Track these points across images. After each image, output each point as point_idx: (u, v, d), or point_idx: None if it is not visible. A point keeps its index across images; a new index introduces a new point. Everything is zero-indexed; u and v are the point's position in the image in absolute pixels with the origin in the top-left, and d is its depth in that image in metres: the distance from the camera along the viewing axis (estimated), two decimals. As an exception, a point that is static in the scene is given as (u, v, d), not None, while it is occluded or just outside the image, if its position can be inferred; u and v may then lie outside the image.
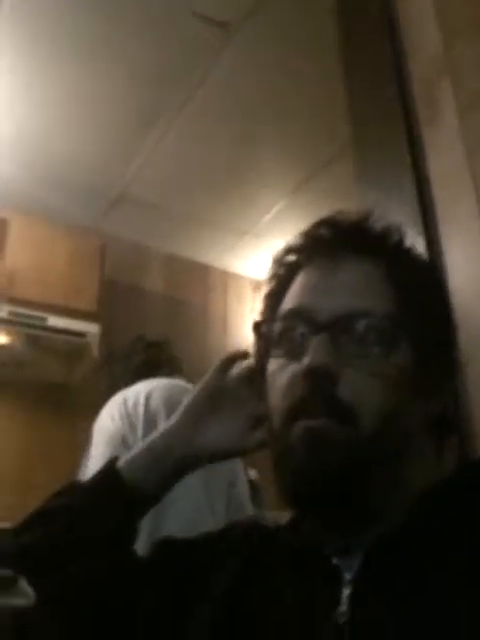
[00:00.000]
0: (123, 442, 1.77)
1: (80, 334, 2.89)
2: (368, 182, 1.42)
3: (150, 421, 1.80)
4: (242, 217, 3.23)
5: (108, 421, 1.83)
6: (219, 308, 3.65)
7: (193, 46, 2.20)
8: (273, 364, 0.67)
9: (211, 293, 3.66)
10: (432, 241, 1.20)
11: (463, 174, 1.14)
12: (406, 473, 0.64)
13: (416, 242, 1.23)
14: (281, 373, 0.65)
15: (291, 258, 0.72)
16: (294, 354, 0.64)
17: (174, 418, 0.84)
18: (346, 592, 0.59)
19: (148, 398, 1.86)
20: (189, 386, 2.01)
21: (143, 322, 3.25)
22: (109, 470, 0.80)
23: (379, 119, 1.42)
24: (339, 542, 0.63)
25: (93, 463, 1.78)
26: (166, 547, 0.78)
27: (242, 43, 2.18)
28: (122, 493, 0.77)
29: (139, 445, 0.83)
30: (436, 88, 1.28)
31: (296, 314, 0.66)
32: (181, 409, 0.84)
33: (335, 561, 0.62)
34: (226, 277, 3.74)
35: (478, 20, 1.23)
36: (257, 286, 3.80)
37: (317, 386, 0.60)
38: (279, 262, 0.73)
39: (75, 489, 0.81)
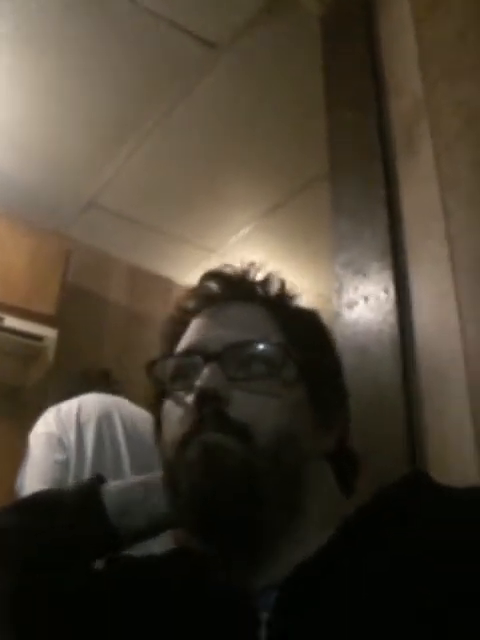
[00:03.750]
0: (59, 442, 1.87)
1: (37, 337, 2.84)
2: (341, 211, 1.45)
3: (81, 427, 1.92)
4: (210, 235, 3.24)
5: (43, 426, 1.93)
6: (179, 323, 3.64)
7: (179, 62, 2.22)
8: (169, 401, 0.69)
9: (172, 308, 3.64)
10: (400, 274, 1.22)
11: (436, 212, 1.16)
12: (311, 498, 0.65)
13: (383, 275, 1.26)
14: (176, 407, 0.67)
15: (184, 308, 0.77)
16: (189, 387, 0.66)
17: None
18: (263, 632, 0.58)
19: (80, 407, 1.99)
20: (121, 398, 2.08)
21: (102, 331, 3.22)
22: (96, 507, 0.76)
23: (358, 152, 1.45)
24: (253, 578, 0.63)
25: (32, 465, 1.85)
26: (120, 564, 0.77)
27: (228, 64, 2.20)
28: (104, 536, 0.75)
29: (132, 481, 0.80)
30: (415, 127, 1.32)
31: (189, 351, 0.70)
32: None
33: (251, 600, 0.61)
34: (189, 293, 3.73)
35: (458, 67, 1.27)
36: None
37: (208, 407, 0.63)
38: (173, 314, 0.78)
39: (55, 508, 0.77)
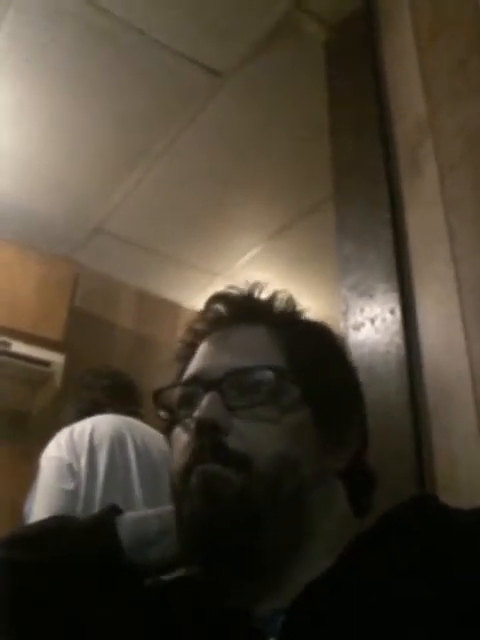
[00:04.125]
0: (70, 469, 1.83)
1: (44, 363, 2.84)
2: (347, 234, 1.46)
3: (93, 452, 1.89)
4: (216, 259, 3.25)
5: (54, 450, 1.90)
6: (187, 348, 3.64)
7: (185, 90, 2.25)
8: (176, 429, 0.70)
9: (180, 332, 3.64)
10: (406, 296, 1.23)
11: (440, 233, 1.17)
12: (315, 523, 0.65)
13: (389, 296, 1.26)
14: (181, 435, 0.69)
15: (192, 333, 0.78)
16: (191, 416, 0.67)
17: None
18: None
19: (93, 430, 1.95)
20: (134, 421, 2.06)
21: (110, 356, 3.22)
22: (110, 538, 0.74)
23: (362, 174, 1.47)
24: (258, 603, 0.62)
25: (41, 491, 1.82)
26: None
27: (233, 90, 2.23)
28: (118, 567, 0.73)
29: (148, 514, 0.79)
30: (419, 149, 1.33)
31: (191, 380, 0.71)
32: None
33: (258, 624, 0.60)
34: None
35: (461, 90, 1.28)
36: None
37: (206, 437, 0.64)
38: (183, 340, 0.79)
39: (66, 536, 0.76)
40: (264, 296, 0.77)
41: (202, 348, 0.74)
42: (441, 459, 0.99)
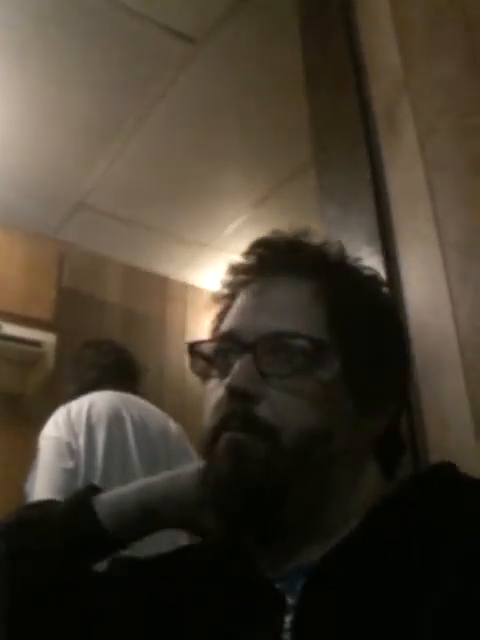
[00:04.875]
0: (68, 448, 1.86)
1: (35, 343, 2.84)
2: (329, 198, 1.44)
3: (91, 430, 1.91)
4: (202, 230, 3.23)
5: (53, 429, 1.92)
6: (178, 320, 3.64)
7: (158, 58, 2.21)
8: (210, 384, 0.69)
9: (169, 305, 3.64)
10: (390, 258, 1.22)
11: (422, 193, 1.16)
12: (342, 491, 0.64)
13: (373, 259, 1.25)
14: (213, 393, 0.67)
15: (232, 280, 0.74)
16: (224, 374, 0.65)
17: (177, 476, 0.78)
18: (288, 618, 0.58)
19: (90, 408, 1.97)
20: (132, 396, 2.07)
21: (101, 333, 3.21)
22: (85, 508, 0.74)
23: (340, 137, 1.44)
24: (280, 565, 0.63)
25: (41, 471, 1.84)
26: (124, 565, 0.77)
27: (207, 57, 2.19)
28: (95, 540, 0.73)
29: (126, 487, 0.78)
30: (396, 109, 1.31)
31: (227, 336, 0.69)
32: (189, 473, 0.77)
33: (278, 586, 0.61)
34: (185, 289, 3.73)
35: (437, 46, 1.26)
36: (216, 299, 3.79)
37: (236, 404, 0.62)
38: (223, 284, 0.75)
39: (47, 518, 0.76)
40: (312, 244, 0.71)
41: (241, 300, 0.71)
42: (431, 422, 0.99)
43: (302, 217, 2.98)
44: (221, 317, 0.73)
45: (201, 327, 3.68)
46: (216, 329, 0.74)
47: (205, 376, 0.70)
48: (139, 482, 0.79)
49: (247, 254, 0.73)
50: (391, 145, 1.30)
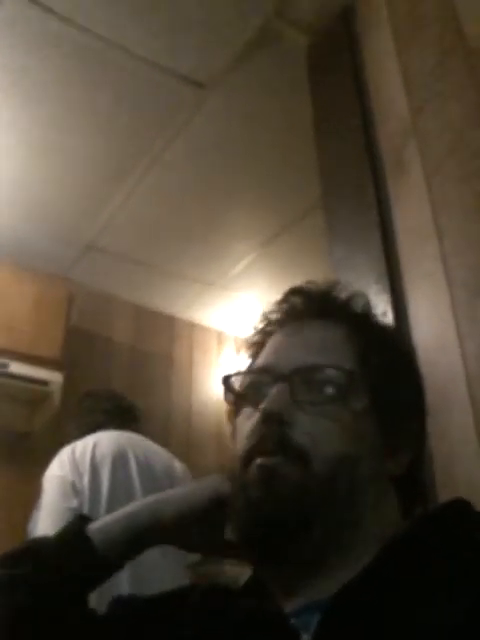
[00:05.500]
0: (73, 488, 1.85)
1: (42, 382, 2.84)
2: (337, 238, 1.46)
3: (95, 469, 1.91)
4: (209, 269, 3.25)
5: (57, 469, 1.91)
6: (184, 359, 3.64)
7: (170, 103, 2.25)
8: (241, 415, 0.71)
9: (176, 344, 3.65)
10: (397, 296, 1.23)
11: (428, 232, 1.17)
12: (364, 524, 0.65)
13: (381, 297, 1.26)
14: (246, 421, 0.69)
15: (266, 323, 0.78)
16: (256, 406, 0.68)
17: (165, 498, 0.79)
18: None
19: (95, 447, 1.97)
20: (135, 435, 2.07)
21: (108, 372, 3.22)
22: (79, 535, 0.76)
23: (348, 178, 1.47)
24: (295, 600, 0.63)
25: (45, 510, 1.83)
26: (125, 604, 0.77)
27: (217, 101, 2.24)
28: (91, 563, 0.74)
29: (116, 514, 0.79)
30: (403, 151, 1.33)
31: (262, 370, 0.72)
32: (180, 498, 0.78)
33: (293, 622, 0.61)
34: (192, 328, 3.74)
35: (442, 90, 1.29)
36: (222, 338, 3.81)
37: (270, 428, 0.64)
38: (256, 329, 0.79)
39: (41, 547, 0.77)
40: (342, 294, 0.76)
41: (274, 339, 0.75)
42: (439, 458, 0.98)
43: (310, 257, 3.01)
44: (254, 357, 0.77)
45: (207, 365, 3.68)
46: (249, 367, 0.77)
47: (237, 408, 0.73)
48: (125, 508, 0.79)
49: (281, 302, 0.77)
50: (398, 186, 1.32)
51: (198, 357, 3.69)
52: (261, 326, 0.78)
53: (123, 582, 1.64)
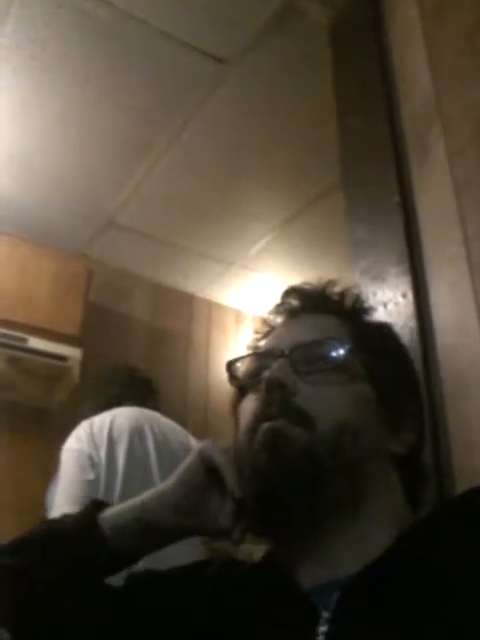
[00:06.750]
0: (90, 461, 1.87)
1: (61, 357, 2.86)
2: (357, 218, 1.45)
3: (113, 443, 1.93)
4: (229, 248, 3.25)
5: (75, 442, 1.93)
6: (202, 338, 3.65)
7: (191, 79, 2.24)
8: (245, 399, 0.74)
9: (194, 322, 3.65)
10: (418, 278, 1.22)
11: (451, 215, 1.16)
12: (371, 497, 0.66)
13: (400, 279, 1.25)
14: (250, 400, 0.72)
15: (266, 324, 0.83)
16: (260, 382, 0.71)
17: (167, 485, 0.78)
18: (322, 630, 0.58)
19: (112, 422, 1.99)
20: (153, 412, 2.08)
21: (126, 348, 3.24)
22: (91, 524, 0.76)
23: (371, 158, 1.45)
24: (314, 577, 0.63)
25: (62, 483, 1.85)
26: (141, 579, 0.78)
27: (238, 78, 2.22)
28: (101, 555, 0.74)
29: (127, 502, 0.79)
30: (427, 132, 1.32)
31: (264, 352, 0.76)
32: (174, 479, 0.77)
33: (313, 598, 0.62)
34: (210, 307, 3.75)
35: (467, 71, 1.27)
36: (240, 317, 3.81)
37: (274, 394, 0.67)
38: (255, 331, 0.84)
39: (53, 535, 0.77)
40: (335, 291, 0.81)
41: (274, 331, 0.80)
42: (457, 444, 0.98)
43: (329, 237, 3.00)
44: (256, 347, 0.81)
45: (225, 344, 3.69)
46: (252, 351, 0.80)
47: (242, 393, 0.75)
48: (138, 497, 0.79)
49: (278, 303, 0.83)
50: (421, 167, 1.30)
51: (216, 336, 3.70)
52: (261, 328, 0.83)
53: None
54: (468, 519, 0.61)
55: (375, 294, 1.30)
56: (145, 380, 2.28)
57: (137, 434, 1.99)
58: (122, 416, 2.03)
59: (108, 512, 0.77)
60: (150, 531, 0.75)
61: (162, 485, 0.78)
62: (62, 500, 1.79)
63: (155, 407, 2.18)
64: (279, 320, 0.81)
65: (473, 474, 0.94)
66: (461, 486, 0.93)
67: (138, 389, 2.22)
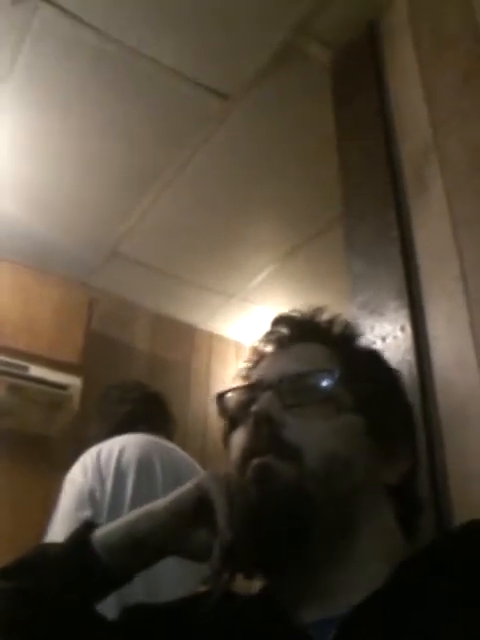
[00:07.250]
0: (91, 496, 1.79)
1: (62, 386, 2.85)
2: (356, 252, 1.47)
3: (120, 476, 1.84)
4: (230, 280, 3.26)
5: (80, 474, 1.85)
6: (202, 369, 3.65)
7: (195, 114, 2.28)
8: (235, 433, 0.74)
9: (195, 354, 3.66)
10: (416, 312, 1.23)
11: (448, 249, 1.18)
12: (364, 530, 0.66)
13: (399, 313, 1.27)
14: (240, 433, 0.72)
15: (256, 353, 0.83)
16: (249, 415, 0.71)
17: (157, 505, 0.77)
18: None
19: (121, 453, 1.90)
20: (166, 443, 2.04)
21: (126, 378, 3.23)
22: (83, 544, 0.74)
23: (370, 193, 1.48)
24: (308, 615, 0.63)
25: (60, 514, 1.80)
26: (136, 612, 0.77)
27: (241, 113, 2.25)
28: (94, 573, 0.72)
29: (117, 521, 0.77)
30: (425, 168, 1.34)
31: (252, 385, 0.76)
32: (166, 502, 0.77)
33: (310, 632, 0.61)
34: (211, 339, 3.75)
35: (465, 108, 1.30)
36: (240, 349, 3.82)
37: (262, 428, 0.67)
38: (246, 360, 0.84)
39: (45, 557, 0.76)
40: (324, 319, 0.82)
41: (263, 362, 0.80)
42: (456, 478, 0.98)
43: (329, 271, 3.01)
44: (246, 378, 0.81)
45: (225, 376, 3.68)
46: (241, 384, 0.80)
47: (232, 426, 0.76)
48: (131, 513, 0.78)
49: (268, 331, 0.83)
50: (419, 202, 1.33)
51: (216, 367, 3.70)
52: (250, 356, 0.83)
53: (139, 594, 1.58)
54: (467, 551, 0.61)
55: (373, 328, 1.32)
56: (155, 394, 2.20)
57: (146, 468, 1.90)
58: (132, 445, 1.94)
59: (100, 531, 0.76)
60: (141, 547, 0.73)
61: (154, 504, 0.77)
62: (56, 531, 1.74)
63: (169, 436, 2.11)
64: (268, 349, 0.81)
65: (471, 507, 0.94)
66: (459, 518, 0.93)
67: (151, 404, 2.15)
